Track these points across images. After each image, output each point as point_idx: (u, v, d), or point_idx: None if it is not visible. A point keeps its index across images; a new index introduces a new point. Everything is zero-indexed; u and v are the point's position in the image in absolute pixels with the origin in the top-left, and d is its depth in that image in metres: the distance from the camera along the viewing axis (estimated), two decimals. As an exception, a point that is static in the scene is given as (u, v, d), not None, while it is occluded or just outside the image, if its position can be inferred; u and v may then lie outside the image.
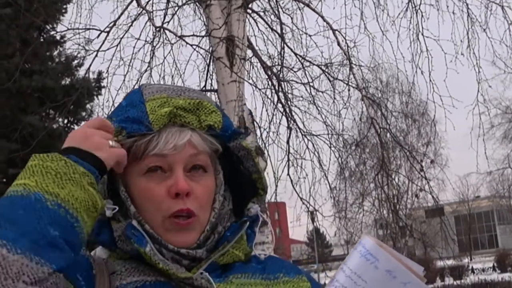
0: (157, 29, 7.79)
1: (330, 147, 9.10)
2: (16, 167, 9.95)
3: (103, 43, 7.93)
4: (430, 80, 8.36)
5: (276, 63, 8.71)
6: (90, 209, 1.25)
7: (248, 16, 7.69)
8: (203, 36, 8.07)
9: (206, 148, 1.43)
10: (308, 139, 8.92)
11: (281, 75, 8.63)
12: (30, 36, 12.57)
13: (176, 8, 8.53)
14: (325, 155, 9.77)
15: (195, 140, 1.41)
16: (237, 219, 1.51)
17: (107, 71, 8.29)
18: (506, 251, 35.46)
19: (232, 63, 6.78)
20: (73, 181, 1.23)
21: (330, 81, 8.90)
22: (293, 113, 8.76)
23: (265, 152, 7.91)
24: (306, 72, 8.85)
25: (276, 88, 8.52)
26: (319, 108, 8.98)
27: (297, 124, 8.80)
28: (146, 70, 8.15)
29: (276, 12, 8.60)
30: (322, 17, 8.48)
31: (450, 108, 8.54)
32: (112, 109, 1.55)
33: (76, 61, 13.51)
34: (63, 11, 13.68)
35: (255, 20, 8.67)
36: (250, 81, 8.42)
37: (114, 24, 7.96)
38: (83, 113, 13.39)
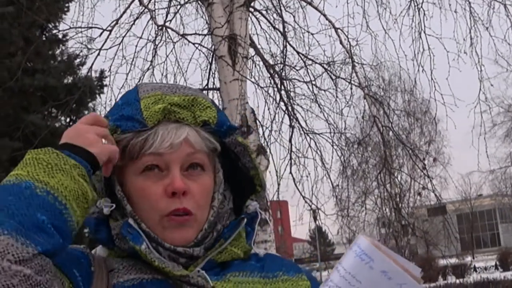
0: (159, 27, 7.80)
1: (332, 146, 9.11)
2: (19, 165, 9.90)
3: (105, 41, 7.95)
4: (432, 79, 8.36)
5: (278, 62, 8.71)
6: (80, 199, 1.27)
7: (250, 14, 7.69)
8: (205, 35, 8.08)
9: (203, 146, 1.43)
10: (310, 138, 8.92)
11: (283, 74, 8.63)
12: (32, 35, 12.58)
13: (178, 6, 8.54)
14: (327, 154, 9.77)
15: (192, 138, 1.41)
16: (237, 217, 1.50)
17: (110, 69, 8.32)
18: (508, 250, 35.38)
19: (234, 61, 6.78)
20: (63, 171, 1.26)
21: (332, 79, 8.90)
22: (295, 112, 8.77)
23: (268, 150, 7.90)
24: (309, 70, 8.86)
25: (279, 86, 8.52)
26: (321, 107, 8.98)
27: (299, 123, 8.80)
28: (148, 69, 8.17)
29: (278, 11, 8.61)
30: (325, 15, 8.48)
31: (452, 107, 8.54)
32: (113, 108, 1.57)
33: (78, 60, 13.52)
34: (65, 9, 13.67)
35: (257, 19, 8.68)
36: (252, 79, 8.43)
37: (117, 23, 7.97)
38: (86, 112, 13.37)
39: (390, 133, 10.06)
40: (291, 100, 8.72)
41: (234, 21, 6.93)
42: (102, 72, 12.72)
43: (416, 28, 8.46)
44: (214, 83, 8.14)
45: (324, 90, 8.96)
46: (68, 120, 13.43)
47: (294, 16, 8.79)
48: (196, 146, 1.41)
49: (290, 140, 8.74)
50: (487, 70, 8.49)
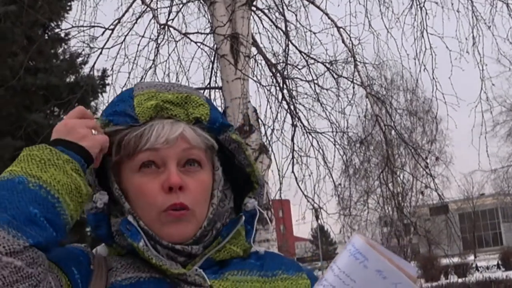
0: (162, 26, 7.80)
1: (334, 145, 9.10)
2: (21, 164, 9.91)
3: (107, 40, 7.95)
4: (434, 78, 8.35)
5: (281, 61, 8.70)
6: (73, 193, 1.29)
7: (252, 13, 7.68)
8: (207, 34, 8.07)
9: (199, 143, 1.43)
10: (312, 137, 8.91)
11: (285, 73, 8.62)
12: (34, 34, 12.58)
13: (181, 5, 8.54)
14: (329, 153, 9.74)
15: (188, 134, 1.41)
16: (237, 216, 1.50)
17: (112, 68, 8.32)
18: (510, 249, 35.33)
19: (237, 60, 6.77)
20: (56, 166, 1.28)
21: (334, 78, 8.88)
22: (298, 111, 8.75)
23: (270, 149, 7.90)
24: (311, 69, 8.84)
25: (281, 85, 8.51)
26: (323, 106, 8.96)
27: (301, 122, 8.79)
28: (150, 68, 8.17)
29: (281, 10, 8.60)
30: (327, 14, 8.48)
31: (454, 106, 8.53)
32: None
33: (80, 59, 13.55)
34: (68, 8, 13.69)
35: (259, 18, 8.67)
36: (255, 78, 8.42)
37: (119, 22, 7.98)
38: (88, 111, 13.39)
39: (392, 132, 10.05)
40: (293, 99, 8.71)
41: (236, 20, 6.93)
42: (104, 71, 12.76)
43: (418, 27, 8.46)
44: (216, 82, 8.14)
45: (326, 89, 8.96)
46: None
47: (296, 15, 8.79)
48: (192, 142, 1.41)
49: (292, 139, 8.73)
50: (490, 69, 8.49)
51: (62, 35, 13.48)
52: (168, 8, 8.29)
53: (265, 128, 8.37)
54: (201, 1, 8.12)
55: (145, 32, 8.22)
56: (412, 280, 1.15)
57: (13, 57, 12.27)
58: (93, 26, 8.18)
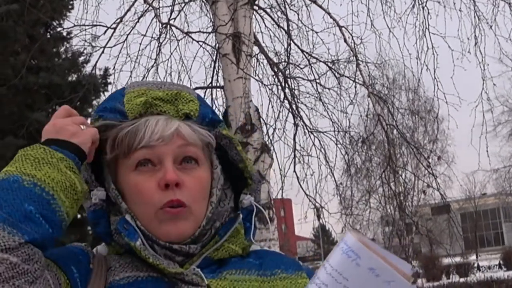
0: (164, 25, 7.80)
1: (336, 144, 9.08)
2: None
3: (109, 39, 7.96)
4: (435, 78, 8.35)
5: (283, 60, 8.70)
6: (68, 190, 1.30)
7: (254, 12, 7.68)
8: (209, 33, 8.08)
9: (196, 139, 1.42)
10: (314, 136, 8.90)
11: (287, 72, 8.62)
12: (36, 33, 12.59)
13: (183, 4, 8.54)
14: (331, 152, 9.73)
15: (184, 130, 1.41)
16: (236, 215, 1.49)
17: (114, 67, 8.32)
18: (512, 249, 35.35)
19: (239, 59, 6.77)
20: (50, 164, 1.29)
21: (336, 77, 8.88)
22: (300, 110, 8.75)
23: (271, 148, 7.90)
24: (313, 68, 8.84)
25: (283, 84, 8.50)
26: (325, 105, 8.96)
27: (303, 121, 8.78)
28: (152, 67, 8.17)
29: (283, 9, 8.60)
30: (329, 13, 8.47)
31: (456, 106, 8.53)
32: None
33: (82, 58, 13.55)
34: (70, 7, 13.70)
35: (261, 17, 8.67)
36: (257, 77, 8.41)
37: (121, 21, 7.98)
38: (90, 110, 13.40)
39: (394, 131, 10.04)
40: (295, 98, 8.71)
41: (238, 19, 6.93)
42: (106, 70, 12.76)
43: (420, 26, 8.45)
44: (218, 81, 8.15)
45: (328, 89, 8.96)
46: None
47: (298, 14, 8.79)
48: (188, 139, 1.41)
49: (294, 139, 8.73)
50: (492, 69, 8.50)
51: (64, 34, 13.46)
52: (170, 7, 8.30)
53: (267, 127, 8.38)
54: (203, 0, 8.12)
55: (147, 31, 8.23)
56: (406, 278, 1.14)
57: (15, 56, 12.28)
58: (95, 25, 8.19)
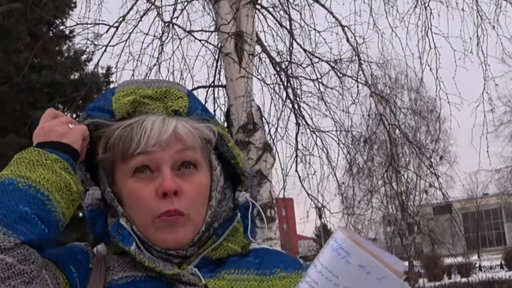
0: (166, 24, 7.80)
1: (338, 144, 9.08)
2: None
3: (112, 38, 7.96)
4: (438, 78, 8.34)
5: (285, 59, 8.69)
6: (63, 191, 1.30)
7: (257, 11, 7.68)
8: (212, 32, 8.06)
9: (194, 140, 1.39)
10: (316, 136, 8.89)
11: (289, 71, 8.61)
12: (39, 31, 12.59)
13: (185, 3, 8.53)
14: (333, 152, 9.73)
15: (181, 131, 1.37)
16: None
17: (116, 66, 8.34)
18: (514, 249, 35.36)
19: (241, 58, 6.77)
20: (44, 166, 1.30)
21: (339, 77, 8.87)
22: (302, 109, 8.73)
23: (274, 148, 7.90)
24: (315, 68, 8.83)
25: (285, 84, 8.50)
26: (327, 104, 8.95)
27: (305, 120, 8.77)
28: (154, 65, 8.17)
29: (285, 8, 8.59)
30: (331, 13, 8.46)
31: (458, 106, 8.53)
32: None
33: (85, 56, 13.55)
34: (72, 5, 13.70)
35: (264, 16, 8.66)
36: (259, 77, 8.40)
37: (123, 19, 7.98)
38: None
39: (397, 131, 10.04)
40: (298, 98, 8.70)
41: (240, 18, 6.92)
42: (108, 68, 12.76)
43: (422, 26, 8.45)
44: (220, 80, 8.13)
45: (331, 88, 8.94)
46: (74, 116, 13.45)
47: (301, 14, 8.77)
48: (187, 141, 1.38)
49: (296, 138, 8.72)
50: (494, 69, 8.49)
51: (67, 32, 13.48)
52: (173, 6, 8.29)
53: (269, 127, 8.37)
54: (206, -1, 8.12)
55: (149, 29, 8.25)
56: (398, 275, 1.12)
57: (18, 54, 12.28)
58: (98, 24, 8.20)
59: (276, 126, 8.59)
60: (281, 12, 8.67)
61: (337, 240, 1.14)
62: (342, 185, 9.90)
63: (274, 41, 8.85)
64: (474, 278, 24.91)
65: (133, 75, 8.12)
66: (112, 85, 12.47)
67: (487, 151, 8.68)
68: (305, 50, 8.75)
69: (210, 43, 8.03)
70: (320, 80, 8.82)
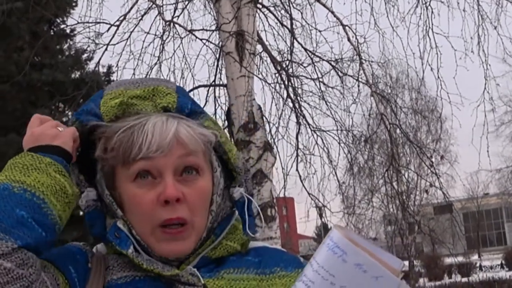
0: (167, 23, 7.80)
1: (339, 143, 9.08)
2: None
3: (113, 37, 7.96)
4: (439, 77, 8.34)
5: (286, 58, 8.68)
6: (59, 193, 1.30)
7: (258, 10, 7.67)
8: (213, 31, 8.06)
9: (196, 144, 1.37)
10: (317, 135, 8.89)
11: (290, 70, 8.61)
12: (40, 30, 12.61)
13: (186, 2, 8.52)
14: (334, 151, 9.77)
15: (183, 134, 1.36)
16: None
17: (117, 65, 8.34)
18: (514, 249, 35.34)
19: (242, 58, 6.77)
20: (38, 169, 1.30)
21: (339, 76, 8.87)
22: (303, 109, 8.73)
23: (274, 147, 7.90)
24: (316, 67, 8.82)
25: (286, 83, 8.49)
26: (328, 104, 8.95)
27: (306, 120, 8.77)
28: (155, 64, 8.17)
29: (286, 7, 8.58)
30: (332, 12, 8.46)
31: (459, 105, 8.53)
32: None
33: (86, 55, 13.58)
34: (73, 4, 13.71)
35: (265, 15, 8.65)
36: (260, 76, 8.40)
37: (124, 18, 7.97)
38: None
39: (397, 130, 10.04)
40: (298, 97, 8.70)
41: (241, 17, 6.92)
42: (109, 67, 12.75)
43: (423, 26, 8.44)
44: (221, 79, 8.13)
45: (332, 87, 8.94)
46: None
47: (302, 13, 8.76)
48: (189, 145, 1.36)
49: (297, 137, 8.72)
50: (496, 69, 8.47)
51: (68, 31, 13.50)
52: (174, 5, 8.28)
53: (269, 126, 8.37)
54: (207, -2, 8.12)
55: (150, 28, 8.23)
56: (395, 273, 1.12)
57: (19, 53, 12.30)
58: (99, 22, 8.19)
59: (277, 125, 8.60)
60: (282, 11, 8.67)
61: (333, 239, 1.13)
62: (343, 185, 9.92)
63: (275, 40, 8.86)
64: (475, 278, 24.90)
65: (134, 74, 8.12)
66: (113, 84, 12.52)
67: (488, 151, 8.69)
68: (306, 50, 8.75)
69: (211, 42, 8.04)
70: (321, 80, 8.82)
